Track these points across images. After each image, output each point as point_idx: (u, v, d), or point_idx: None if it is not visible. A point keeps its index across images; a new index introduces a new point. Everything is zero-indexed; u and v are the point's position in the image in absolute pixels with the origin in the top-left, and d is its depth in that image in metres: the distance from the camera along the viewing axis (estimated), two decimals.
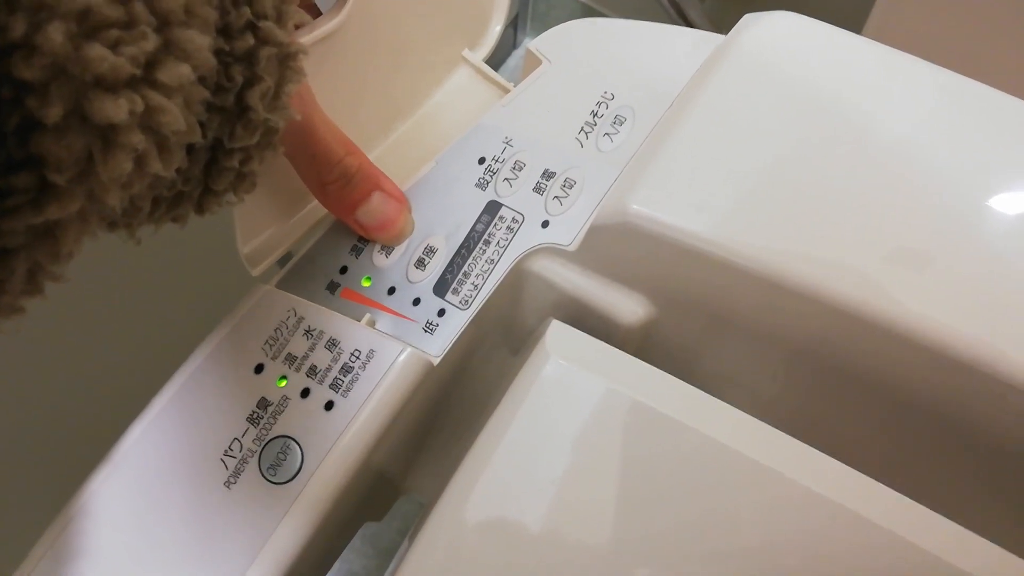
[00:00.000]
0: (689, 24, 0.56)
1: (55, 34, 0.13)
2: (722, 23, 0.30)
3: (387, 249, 0.28)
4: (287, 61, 0.20)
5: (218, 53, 0.18)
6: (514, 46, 0.86)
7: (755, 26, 0.28)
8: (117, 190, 0.15)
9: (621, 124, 0.29)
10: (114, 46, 0.14)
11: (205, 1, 0.16)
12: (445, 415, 0.32)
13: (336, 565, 0.29)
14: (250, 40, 0.18)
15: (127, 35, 0.14)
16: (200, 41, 0.16)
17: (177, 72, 0.15)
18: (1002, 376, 0.22)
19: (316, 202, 0.29)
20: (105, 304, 0.38)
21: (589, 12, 0.85)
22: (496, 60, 0.32)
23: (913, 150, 0.25)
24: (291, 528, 0.23)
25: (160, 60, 0.15)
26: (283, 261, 0.29)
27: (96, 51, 0.14)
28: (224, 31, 0.18)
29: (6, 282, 0.15)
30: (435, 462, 0.33)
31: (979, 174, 0.24)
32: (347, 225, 0.28)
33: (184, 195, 0.20)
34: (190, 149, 0.19)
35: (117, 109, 0.14)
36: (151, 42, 0.15)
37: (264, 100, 0.19)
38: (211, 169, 0.20)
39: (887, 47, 0.27)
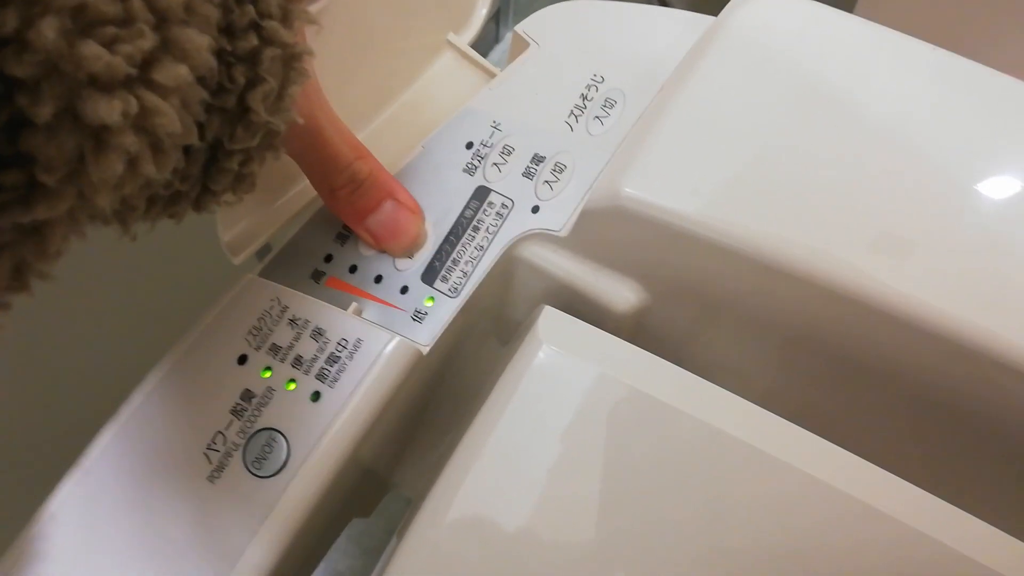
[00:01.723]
0: None
1: (48, 30, 0.12)
2: (704, 12, 0.30)
3: None
4: (292, 62, 0.19)
5: (220, 53, 0.17)
6: (496, 40, 0.86)
7: (746, 6, 0.27)
8: (108, 191, 0.15)
9: (611, 107, 0.28)
10: (110, 44, 0.13)
11: None
12: (433, 407, 0.32)
13: (320, 566, 0.29)
14: (253, 40, 0.18)
15: (124, 33, 0.14)
16: (199, 40, 0.15)
17: (174, 72, 0.15)
18: (998, 358, 0.21)
19: (299, 188, 0.29)
20: (81, 294, 0.37)
21: None
22: (478, 53, 0.31)
23: (907, 130, 0.24)
24: (278, 523, 0.23)
25: (157, 59, 0.14)
26: (262, 254, 0.28)
27: (91, 49, 0.13)
28: (227, 30, 0.17)
29: None
30: (422, 456, 0.32)
31: (974, 154, 0.24)
32: (357, 235, 0.27)
33: (181, 194, 0.19)
34: (188, 149, 0.18)
35: (111, 110, 0.13)
36: (148, 40, 0.14)
37: (266, 102, 0.19)
38: (210, 169, 0.19)
39: (879, 26, 0.27)
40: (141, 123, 0.14)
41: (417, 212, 0.27)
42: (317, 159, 0.25)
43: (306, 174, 0.26)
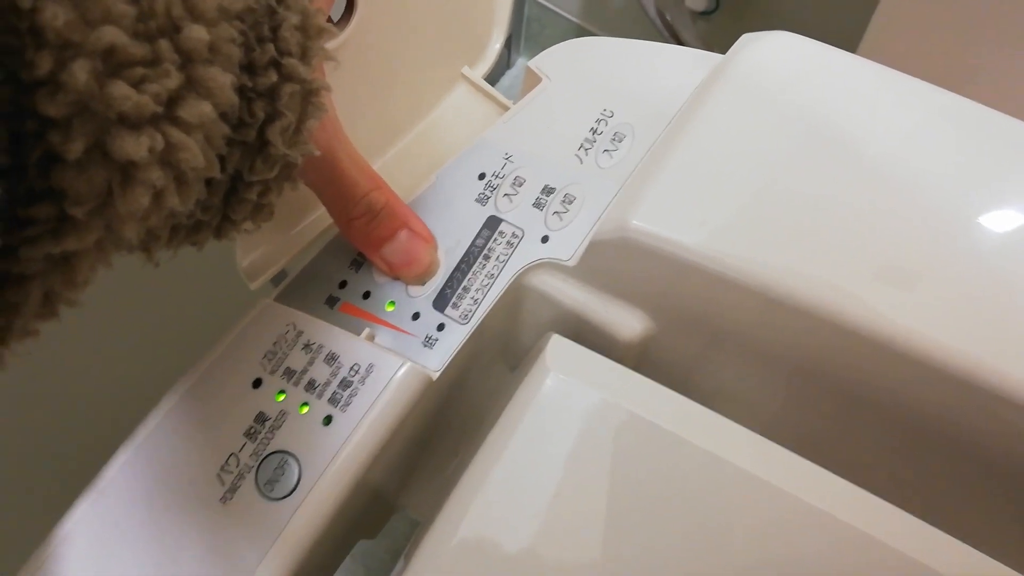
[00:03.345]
0: (682, 45, 0.57)
1: (80, 72, 0.13)
2: (714, 44, 0.31)
3: None
4: (309, 97, 0.20)
5: (241, 89, 0.18)
6: (507, 66, 0.87)
7: (753, 45, 0.28)
8: (134, 223, 0.15)
9: (620, 141, 0.29)
10: (138, 84, 0.14)
11: (229, 39, 0.16)
12: (441, 431, 0.32)
13: None
14: (273, 76, 0.18)
15: (151, 72, 0.14)
16: (223, 79, 0.16)
17: (199, 110, 0.15)
18: (998, 391, 0.21)
19: (316, 216, 0.29)
20: (101, 317, 0.38)
21: (582, 33, 0.86)
22: (489, 80, 0.32)
23: (908, 168, 0.25)
24: (288, 545, 0.23)
25: (182, 97, 0.15)
26: (278, 280, 0.29)
27: (120, 89, 0.14)
28: (248, 68, 0.18)
29: (21, 305, 0.15)
30: (429, 479, 0.33)
31: (973, 191, 0.24)
32: (372, 262, 0.28)
33: (203, 224, 0.20)
34: (209, 181, 0.19)
35: (138, 146, 0.14)
36: (174, 80, 0.15)
37: (285, 135, 0.19)
38: (230, 200, 0.20)
39: (882, 66, 0.27)
40: (167, 158, 0.15)
41: (431, 241, 0.28)
42: (335, 189, 0.26)
43: (324, 204, 0.26)
